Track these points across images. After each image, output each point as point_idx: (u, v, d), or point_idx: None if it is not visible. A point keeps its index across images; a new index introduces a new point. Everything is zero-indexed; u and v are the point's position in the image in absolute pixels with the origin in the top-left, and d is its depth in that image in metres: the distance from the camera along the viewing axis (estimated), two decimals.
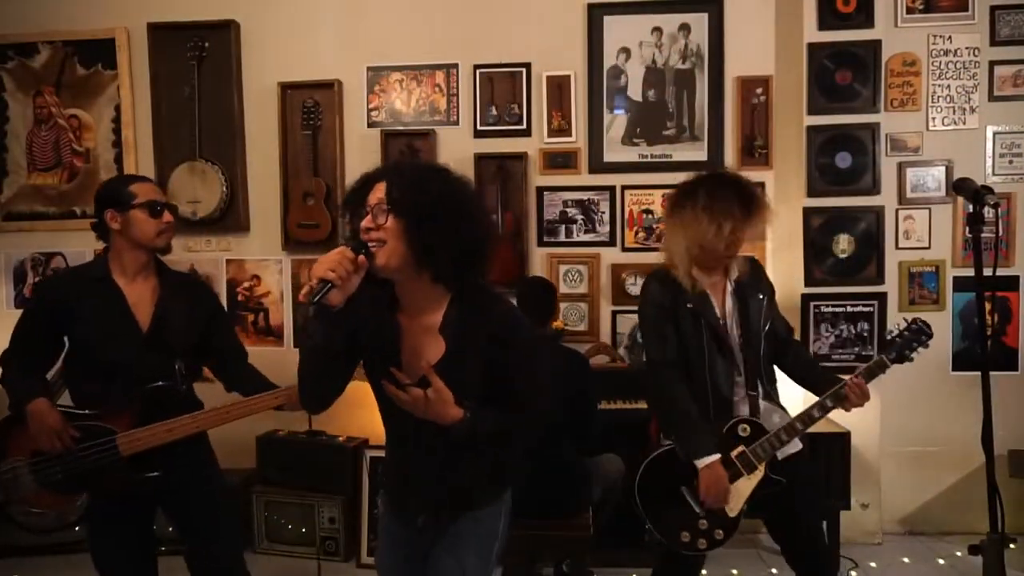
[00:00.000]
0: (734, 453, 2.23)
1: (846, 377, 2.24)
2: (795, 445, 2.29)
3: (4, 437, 2.19)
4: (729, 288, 2.31)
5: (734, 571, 3.35)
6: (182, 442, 2.20)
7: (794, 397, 2.63)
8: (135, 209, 2.17)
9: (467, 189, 1.63)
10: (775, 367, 2.39)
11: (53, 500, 2.17)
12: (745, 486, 2.23)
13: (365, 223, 1.56)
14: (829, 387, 2.24)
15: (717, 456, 2.19)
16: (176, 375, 2.24)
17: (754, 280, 2.35)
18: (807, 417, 2.22)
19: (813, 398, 2.29)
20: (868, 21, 3.59)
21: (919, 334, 2.26)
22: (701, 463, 2.18)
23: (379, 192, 1.57)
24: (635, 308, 3.80)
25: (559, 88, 3.85)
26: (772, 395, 2.34)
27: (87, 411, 2.16)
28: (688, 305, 2.25)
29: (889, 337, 2.29)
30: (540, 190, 3.88)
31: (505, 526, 1.83)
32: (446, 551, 1.75)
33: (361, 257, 1.52)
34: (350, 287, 1.52)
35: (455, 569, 1.73)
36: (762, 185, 3.79)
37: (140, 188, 2.21)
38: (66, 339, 2.23)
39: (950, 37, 3.71)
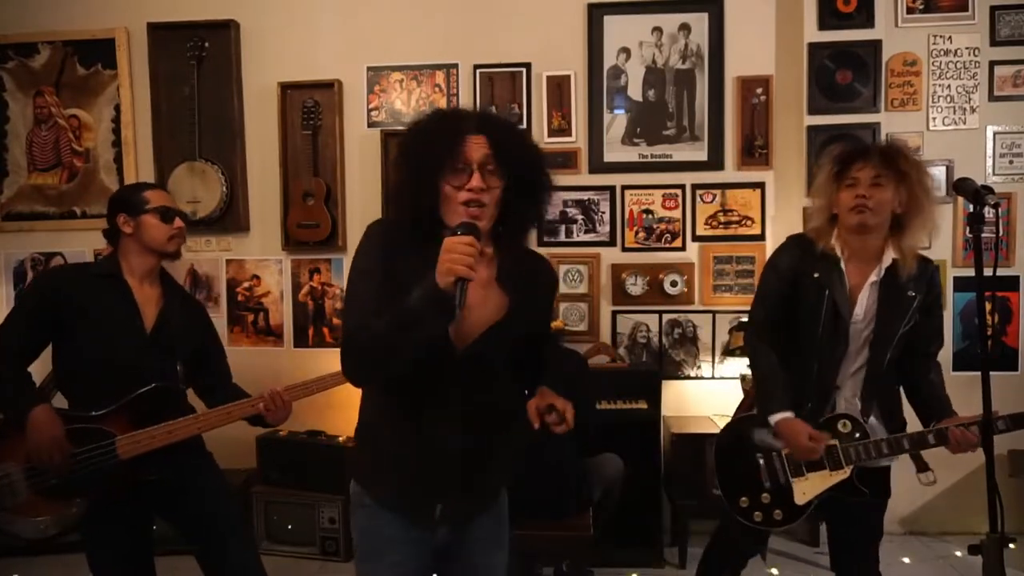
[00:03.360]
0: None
1: (963, 416, 2.11)
2: (889, 458, 2.19)
3: None
4: (875, 277, 2.13)
5: None
6: (181, 445, 2.18)
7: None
8: (147, 214, 2.21)
9: (544, 153, 1.60)
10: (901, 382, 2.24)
11: (49, 507, 2.08)
12: (823, 480, 2.15)
13: (476, 183, 1.45)
14: (946, 416, 2.12)
15: (790, 413, 2.12)
16: (177, 376, 2.26)
17: (913, 278, 2.12)
18: (919, 439, 2.09)
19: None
20: (868, 21, 3.59)
21: None
22: (774, 418, 2.13)
23: (481, 147, 1.47)
24: (634, 308, 3.85)
25: (559, 88, 3.85)
26: (888, 405, 2.20)
27: (89, 413, 2.12)
28: (815, 275, 2.13)
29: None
30: None
31: (506, 505, 1.78)
32: (481, 554, 1.68)
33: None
34: None
35: (499, 568, 1.70)
36: (762, 185, 3.80)
37: (153, 194, 2.26)
38: (60, 336, 2.17)
39: (950, 37, 3.71)
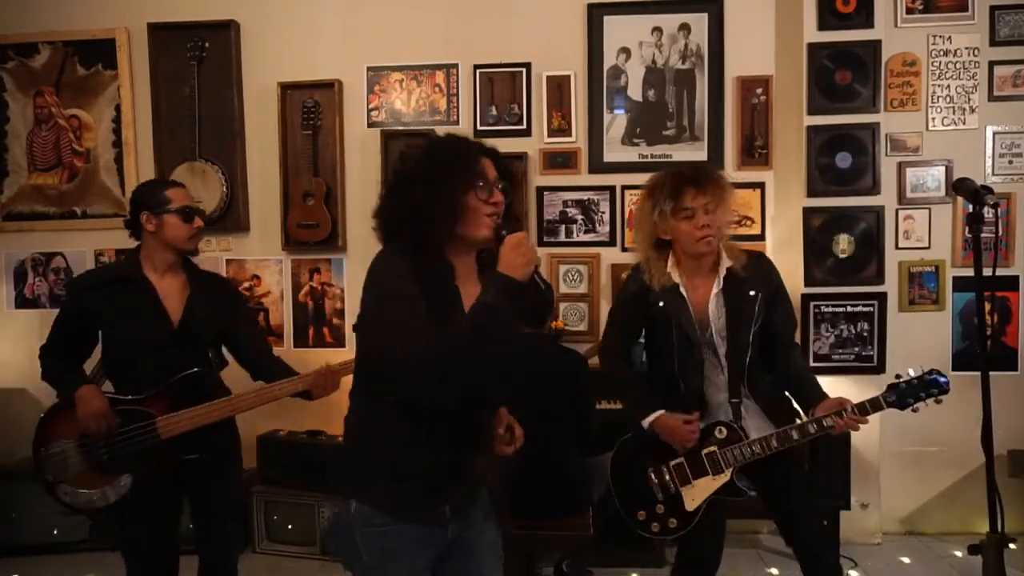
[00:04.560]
0: (705, 451, 2.25)
1: (834, 397, 2.19)
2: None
3: (53, 422, 2.34)
4: (716, 287, 2.25)
5: (734, 571, 3.34)
6: (217, 429, 2.33)
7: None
8: (170, 214, 2.32)
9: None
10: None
11: (98, 480, 2.29)
12: (708, 485, 2.26)
13: (500, 198, 1.65)
14: (818, 403, 2.20)
15: (660, 412, 2.26)
16: (209, 362, 2.40)
17: (751, 276, 2.26)
18: (785, 436, 2.18)
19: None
20: (868, 21, 3.59)
21: (930, 386, 2.11)
22: (647, 422, 2.27)
23: (492, 168, 1.67)
24: None
25: (559, 88, 3.85)
26: (760, 400, 2.28)
27: (130, 396, 2.30)
28: (660, 304, 2.26)
29: (897, 379, 2.15)
30: (540, 190, 3.88)
31: None
32: (490, 530, 1.80)
33: None
34: None
35: (498, 542, 1.83)
36: (762, 185, 3.80)
37: (175, 193, 2.37)
38: (100, 334, 2.37)
39: (950, 37, 3.72)
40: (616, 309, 2.47)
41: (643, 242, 2.32)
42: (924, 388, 2.11)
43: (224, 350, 2.52)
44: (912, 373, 2.14)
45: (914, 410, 2.13)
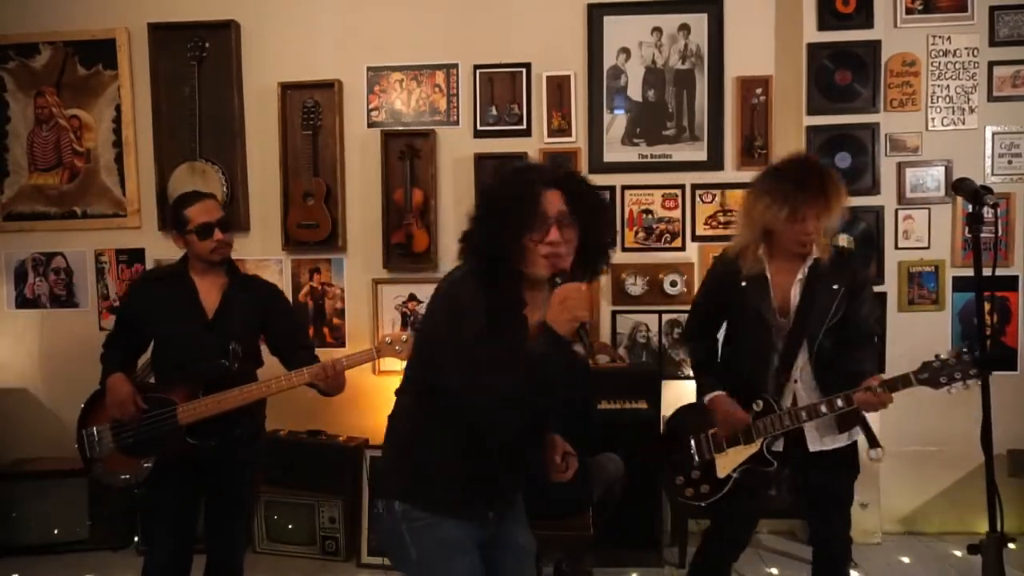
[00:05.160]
0: None
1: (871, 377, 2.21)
2: (840, 440, 2.33)
3: (94, 407, 2.57)
4: (801, 275, 2.31)
5: (734, 571, 3.34)
6: (241, 423, 2.49)
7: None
8: (189, 234, 2.50)
9: (607, 204, 1.85)
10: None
11: (126, 461, 2.50)
12: (739, 453, 2.36)
13: (555, 237, 1.58)
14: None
15: (720, 392, 2.38)
16: (230, 355, 2.50)
17: (836, 270, 2.31)
18: (814, 410, 2.25)
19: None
20: (868, 21, 3.60)
21: (968, 367, 2.09)
22: (707, 399, 2.41)
23: (556, 203, 1.59)
24: (634, 308, 3.85)
25: (559, 88, 3.85)
26: (829, 388, 2.29)
27: (154, 385, 2.53)
28: (743, 284, 2.34)
29: (934, 358, 2.14)
30: None
31: None
32: (521, 533, 1.89)
33: None
34: None
35: (531, 550, 1.91)
36: None
37: (194, 211, 2.51)
38: (147, 331, 2.58)
39: (949, 37, 3.72)
40: (700, 292, 2.59)
41: (749, 232, 2.36)
42: (960, 367, 2.11)
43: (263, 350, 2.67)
44: (950, 351, 2.14)
45: (949, 391, 2.14)
